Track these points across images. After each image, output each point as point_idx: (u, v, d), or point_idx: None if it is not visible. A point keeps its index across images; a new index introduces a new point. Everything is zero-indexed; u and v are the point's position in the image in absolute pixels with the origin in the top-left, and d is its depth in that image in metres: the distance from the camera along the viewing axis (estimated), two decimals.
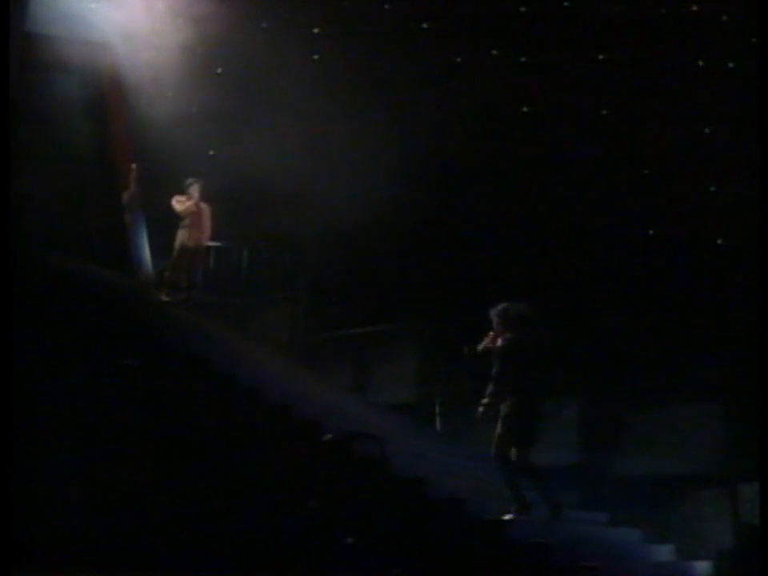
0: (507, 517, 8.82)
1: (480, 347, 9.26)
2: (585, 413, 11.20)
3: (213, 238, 14.33)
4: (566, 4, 14.94)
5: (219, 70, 15.27)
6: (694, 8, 14.33)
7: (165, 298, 13.75)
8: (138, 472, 10.44)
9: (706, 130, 14.03)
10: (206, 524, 9.39)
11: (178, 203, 13.82)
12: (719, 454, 10.30)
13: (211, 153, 15.20)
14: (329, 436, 8.72)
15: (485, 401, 9.06)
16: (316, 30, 15.26)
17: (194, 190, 13.82)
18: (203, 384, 10.56)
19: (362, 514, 8.34)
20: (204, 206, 13.88)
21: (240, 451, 9.51)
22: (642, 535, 10.13)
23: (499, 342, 9.14)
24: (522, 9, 14.97)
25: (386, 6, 15.39)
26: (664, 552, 10.04)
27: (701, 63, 14.21)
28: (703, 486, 10.31)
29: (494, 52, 15.08)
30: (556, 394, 11.02)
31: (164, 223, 14.45)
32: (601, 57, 14.66)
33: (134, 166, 14.92)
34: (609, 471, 10.85)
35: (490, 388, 9.08)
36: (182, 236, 13.83)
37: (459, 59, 15.07)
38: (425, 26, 15.19)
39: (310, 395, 11.12)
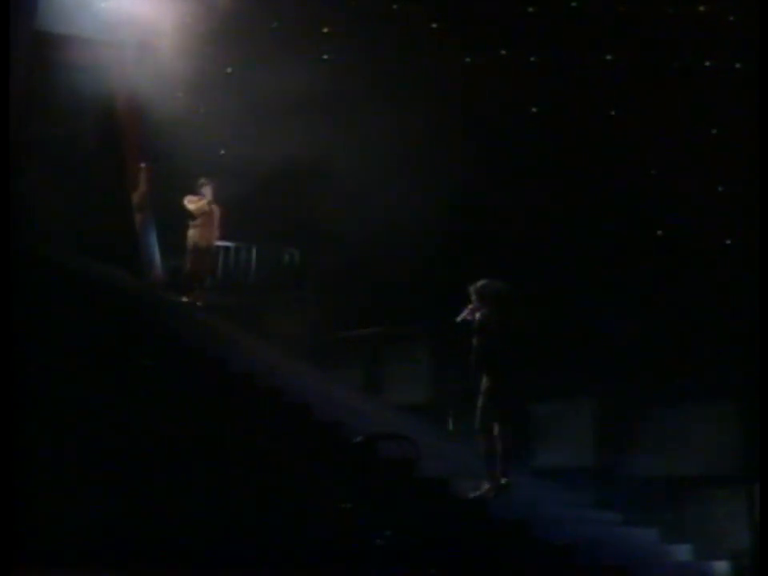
0: (475, 494, 9.13)
1: (458, 318, 9.63)
2: (599, 413, 11.20)
3: (222, 238, 14.38)
4: (573, 4, 14.95)
5: (229, 70, 15.26)
6: (702, 8, 14.34)
7: (177, 298, 13.76)
8: (155, 474, 10.46)
9: (713, 131, 14.04)
10: (230, 526, 9.40)
11: (191, 203, 13.86)
12: (736, 453, 10.29)
13: (222, 152, 15.18)
14: (360, 437, 8.75)
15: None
16: (325, 30, 15.26)
17: (207, 189, 13.86)
18: (222, 384, 10.58)
19: (394, 515, 8.37)
20: (215, 206, 13.92)
21: (264, 452, 9.53)
22: (658, 535, 10.18)
23: (476, 317, 9.52)
24: (530, 9, 14.98)
25: (395, 6, 15.39)
26: (680, 552, 10.08)
27: (707, 64, 14.21)
28: (719, 485, 10.30)
29: (503, 52, 15.08)
30: (570, 395, 11.14)
31: (174, 223, 14.46)
32: (609, 57, 14.67)
33: (143, 165, 14.93)
34: (624, 471, 10.83)
35: (469, 361, 9.48)
36: (193, 236, 13.89)
37: (468, 59, 15.07)
38: (434, 26, 15.18)
39: (329, 395, 11.13)
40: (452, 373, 12.29)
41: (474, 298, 9.66)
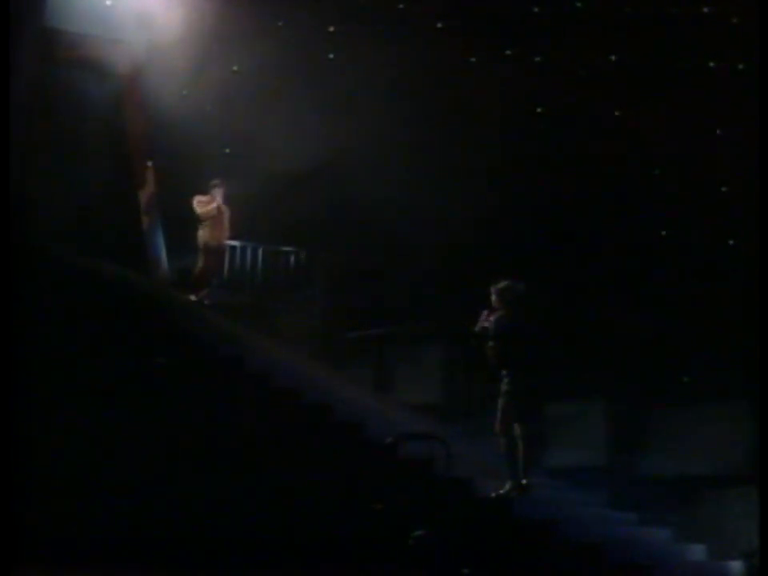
0: (498, 493, 9.19)
1: (477, 327, 9.64)
2: (613, 413, 11.24)
3: (230, 238, 14.38)
4: (578, 5, 14.98)
5: (235, 68, 15.25)
6: (705, 9, 14.40)
7: (188, 298, 13.75)
8: (165, 474, 10.45)
9: (718, 131, 14.10)
10: (252, 527, 9.40)
11: (200, 204, 13.85)
12: (749, 452, 10.34)
13: (227, 150, 15.17)
14: (390, 438, 8.78)
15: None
16: (331, 29, 15.26)
17: (217, 190, 13.85)
18: (238, 384, 10.58)
19: (424, 515, 8.41)
20: (224, 207, 13.93)
21: (289, 453, 9.53)
22: (672, 535, 10.24)
23: (493, 318, 9.53)
24: (536, 9, 15.01)
25: (400, 6, 15.40)
26: (694, 551, 10.14)
27: (711, 64, 14.27)
28: (733, 484, 10.36)
29: (508, 52, 15.11)
30: (584, 395, 11.18)
31: (180, 222, 14.45)
32: (613, 57, 14.71)
33: (149, 163, 14.90)
34: (637, 471, 10.88)
35: (489, 363, 9.53)
36: (203, 236, 13.88)
37: (473, 59, 15.09)
38: (439, 25, 15.21)
39: (345, 395, 11.15)
40: (463, 373, 12.34)
41: (494, 298, 9.67)
